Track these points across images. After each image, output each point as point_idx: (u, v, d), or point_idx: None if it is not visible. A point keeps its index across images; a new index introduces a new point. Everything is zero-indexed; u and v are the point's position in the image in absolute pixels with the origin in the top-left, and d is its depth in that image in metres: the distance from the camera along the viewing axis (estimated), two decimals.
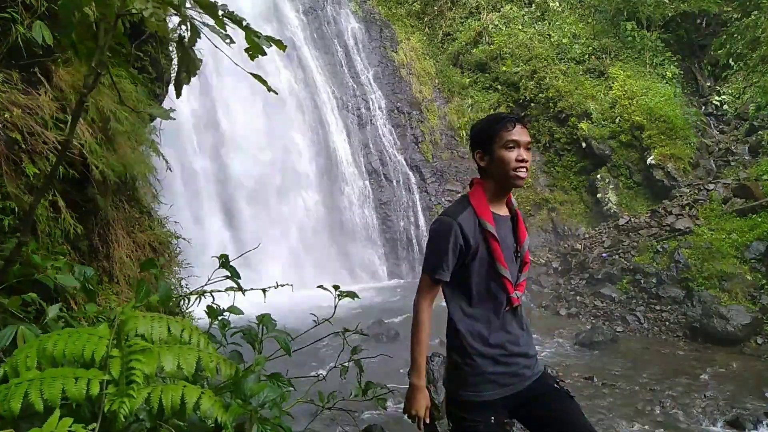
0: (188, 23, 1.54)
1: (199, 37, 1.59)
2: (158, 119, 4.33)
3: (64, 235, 2.55)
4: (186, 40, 1.59)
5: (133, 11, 1.45)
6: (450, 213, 2.09)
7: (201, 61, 1.67)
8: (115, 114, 2.96)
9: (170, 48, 4.18)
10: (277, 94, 1.70)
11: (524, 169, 2.05)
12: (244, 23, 1.50)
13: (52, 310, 1.81)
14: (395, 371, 6.14)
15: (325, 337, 2.68)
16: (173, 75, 4.06)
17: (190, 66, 1.64)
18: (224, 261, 2.23)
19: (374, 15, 15.73)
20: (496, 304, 2.08)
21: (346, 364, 2.61)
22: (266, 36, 1.56)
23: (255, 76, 1.64)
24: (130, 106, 2.79)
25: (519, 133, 2.05)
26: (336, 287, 2.48)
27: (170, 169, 4.66)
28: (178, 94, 1.73)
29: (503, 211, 2.16)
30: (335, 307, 2.50)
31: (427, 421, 2.11)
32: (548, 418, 2.10)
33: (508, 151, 2.04)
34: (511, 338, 2.10)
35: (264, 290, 2.39)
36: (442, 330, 2.21)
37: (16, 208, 2.24)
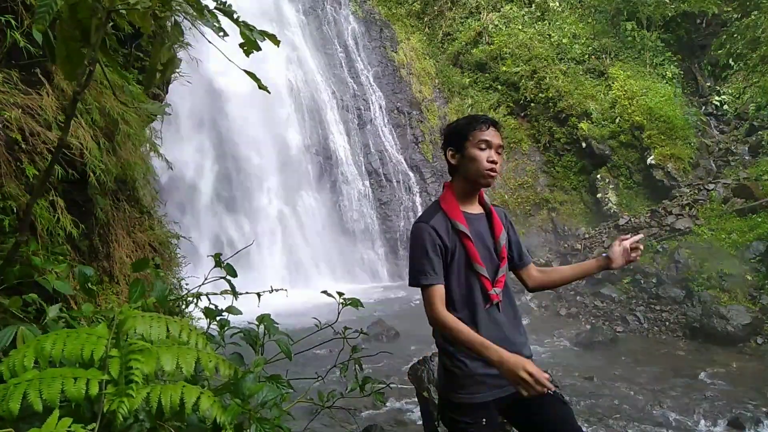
0: (173, 19, 1.53)
1: (182, 35, 1.58)
2: (158, 120, 4.33)
3: (65, 235, 2.55)
4: (168, 35, 1.58)
5: (119, 7, 1.44)
6: (422, 218, 2.11)
7: (180, 60, 1.66)
8: (122, 116, 2.96)
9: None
10: (269, 92, 1.69)
11: (494, 171, 2.07)
12: (235, 16, 1.49)
13: (52, 311, 1.81)
14: (396, 370, 6.15)
15: (326, 342, 2.68)
16: (173, 75, 4.07)
17: (168, 63, 1.63)
18: (218, 260, 2.23)
19: (374, 15, 15.73)
20: (478, 304, 2.08)
21: (346, 363, 2.61)
22: (260, 30, 1.55)
23: (247, 72, 1.63)
24: (127, 104, 2.79)
25: (492, 135, 2.09)
26: (340, 294, 2.48)
27: (172, 167, 4.67)
28: (148, 88, 1.72)
29: (476, 210, 2.18)
30: (339, 313, 2.49)
31: (545, 375, 1.77)
32: (539, 423, 2.10)
33: (480, 150, 2.07)
34: (502, 337, 2.08)
35: (258, 294, 2.38)
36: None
37: (15, 209, 2.25)
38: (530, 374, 1.75)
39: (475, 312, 2.07)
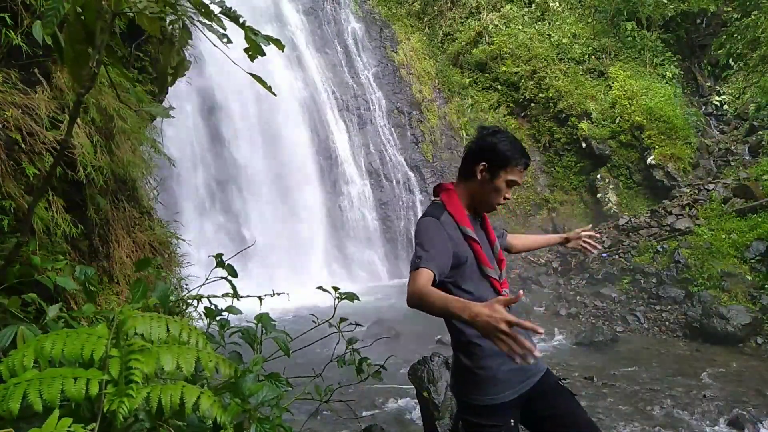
0: (181, 22, 1.53)
1: (191, 38, 1.58)
2: (159, 119, 4.33)
3: (65, 235, 2.55)
4: (177, 38, 1.58)
5: (127, 11, 1.44)
6: (432, 214, 2.09)
7: (190, 62, 1.66)
8: (118, 112, 2.96)
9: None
10: (276, 96, 1.70)
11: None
12: (241, 20, 1.50)
13: (52, 311, 1.81)
14: (396, 371, 6.13)
15: (324, 338, 2.68)
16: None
17: (178, 66, 1.63)
18: (220, 260, 2.23)
19: (374, 15, 15.73)
20: None
21: (343, 356, 2.61)
22: (264, 35, 1.55)
23: (254, 77, 1.63)
24: (130, 106, 2.79)
25: (521, 176, 2.15)
26: (335, 288, 2.47)
27: (174, 165, 4.68)
28: (161, 92, 1.73)
29: (474, 215, 2.24)
30: (335, 308, 2.50)
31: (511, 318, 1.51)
32: (552, 416, 2.10)
33: (507, 186, 2.12)
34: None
35: (260, 298, 2.39)
36: (443, 328, 2.20)
37: (14, 209, 2.24)
38: (505, 322, 1.51)
39: None
